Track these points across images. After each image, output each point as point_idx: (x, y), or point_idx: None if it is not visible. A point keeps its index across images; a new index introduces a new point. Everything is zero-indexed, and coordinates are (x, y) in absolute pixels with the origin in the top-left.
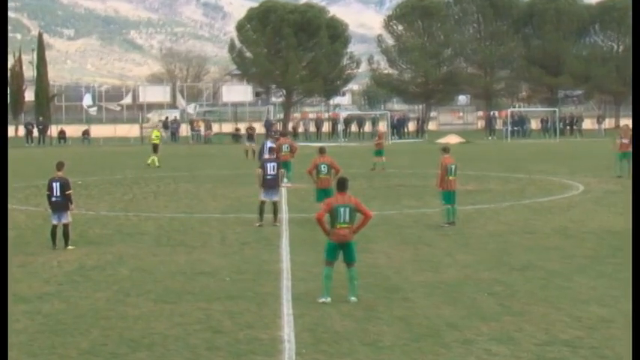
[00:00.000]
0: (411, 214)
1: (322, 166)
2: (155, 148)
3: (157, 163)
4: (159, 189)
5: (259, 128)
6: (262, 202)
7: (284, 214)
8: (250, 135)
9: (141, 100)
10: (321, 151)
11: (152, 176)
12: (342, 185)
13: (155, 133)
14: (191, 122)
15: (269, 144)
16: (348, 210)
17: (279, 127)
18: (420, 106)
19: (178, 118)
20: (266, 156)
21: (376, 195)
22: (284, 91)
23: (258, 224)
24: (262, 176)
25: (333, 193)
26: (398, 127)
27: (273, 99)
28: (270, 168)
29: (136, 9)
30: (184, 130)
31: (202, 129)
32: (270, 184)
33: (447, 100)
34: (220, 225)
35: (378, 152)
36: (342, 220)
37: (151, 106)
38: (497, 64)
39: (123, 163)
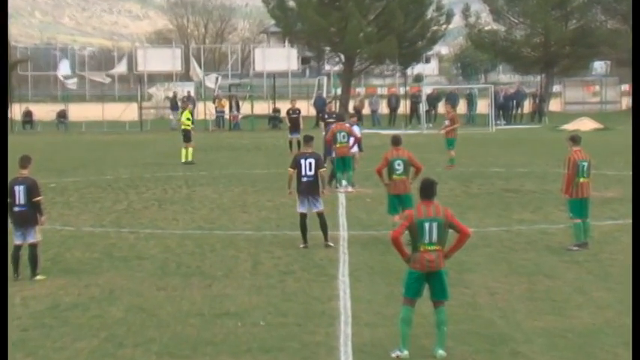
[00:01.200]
0: (524, 232)
1: (397, 162)
2: (187, 135)
3: (189, 157)
4: (165, 195)
5: (307, 110)
6: (302, 216)
7: (342, 231)
8: (294, 123)
9: (140, 68)
10: (396, 141)
11: (157, 176)
12: (427, 191)
13: (186, 116)
14: (212, 100)
15: None
16: (436, 225)
17: (335, 107)
18: (538, 78)
19: (193, 94)
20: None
21: (474, 204)
22: (342, 57)
23: (302, 246)
24: (296, 178)
25: (412, 200)
26: (506, 107)
27: (327, 67)
28: (307, 166)
29: None
30: (202, 111)
31: (227, 110)
32: (308, 189)
33: (576, 69)
34: (252, 246)
35: (450, 142)
36: (429, 240)
37: (154, 78)
38: None
39: (115, 157)
